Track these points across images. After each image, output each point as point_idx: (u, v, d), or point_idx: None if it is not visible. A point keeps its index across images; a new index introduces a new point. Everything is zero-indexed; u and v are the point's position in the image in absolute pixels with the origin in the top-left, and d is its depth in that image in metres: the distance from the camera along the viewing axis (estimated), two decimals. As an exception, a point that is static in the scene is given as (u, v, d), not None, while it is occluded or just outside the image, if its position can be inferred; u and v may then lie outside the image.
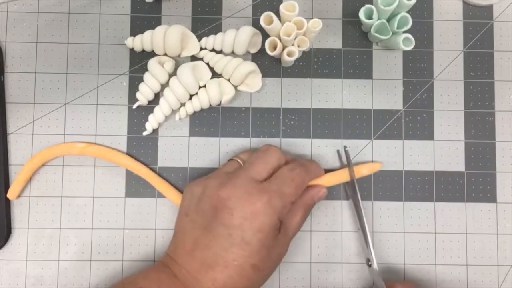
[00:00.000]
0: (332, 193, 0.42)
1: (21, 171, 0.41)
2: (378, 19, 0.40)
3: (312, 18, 0.39)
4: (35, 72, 0.43)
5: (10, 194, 0.41)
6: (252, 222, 0.34)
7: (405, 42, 0.39)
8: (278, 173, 0.37)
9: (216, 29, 0.43)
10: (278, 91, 0.43)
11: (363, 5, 0.40)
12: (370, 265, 0.40)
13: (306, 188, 0.39)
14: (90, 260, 0.42)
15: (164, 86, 0.42)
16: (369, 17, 0.40)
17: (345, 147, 0.42)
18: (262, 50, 0.42)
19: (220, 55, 0.42)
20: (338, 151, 0.42)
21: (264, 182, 0.36)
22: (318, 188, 0.40)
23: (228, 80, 0.42)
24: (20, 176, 0.41)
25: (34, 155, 0.42)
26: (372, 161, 0.42)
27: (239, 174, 0.36)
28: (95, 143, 0.42)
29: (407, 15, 0.39)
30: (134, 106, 0.42)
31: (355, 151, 0.43)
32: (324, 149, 0.43)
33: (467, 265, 0.42)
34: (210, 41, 0.42)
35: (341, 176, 0.41)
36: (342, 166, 0.42)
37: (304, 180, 0.38)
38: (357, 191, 0.41)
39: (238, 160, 0.39)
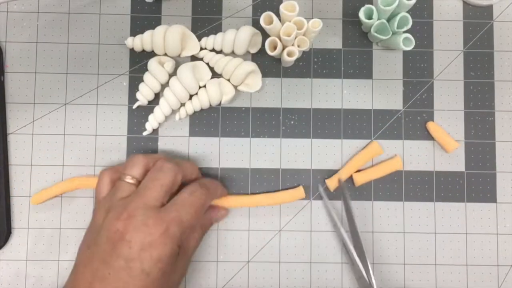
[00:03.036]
0: (332, 193, 0.42)
1: (57, 185, 0.41)
2: (378, 19, 0.40)
3: (312, 18, 0.39)
4: (35, 72, 0.43)
5: (34, 199, 0.41)
6: (151, 253, 0.33)
7: (405, 42, 0.39)
8: (177, 198, 0.36)
9: (216, 29, 0.43)
10: (278, 91, 0.43)
11: (363, 5, 0.40)
12: None
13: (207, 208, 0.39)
14: (90, 260, 0.42)
15: (164, 86, 0.42)
16: (369, 17, 0.40)
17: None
18: (262, 50, 0.42)
19: (220, 55, 0.42)
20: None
21: (162, 208, 0.35)
22: (218, 210, 0.40)
23: (228, 80, 0.42)
24: (53, 188, 0.41)
25: (77, 177, 0.41)
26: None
27: (135, 202, 0.34)
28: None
29: (407, 15, 0.39)
30: (134, 106, 0.42)
31: (355, 151, 0.43)
32: (324, 149, 0.43)
33: (467, 265, 0.42)
34: (210, 41, 0.42)
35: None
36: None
37: (205, 203, 0.37)
38: (359, 237, 0.40)
39: (129, 180, 0.36)
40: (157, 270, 0.33)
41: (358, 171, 0.42)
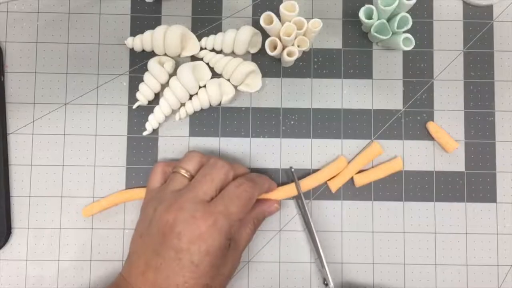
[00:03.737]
0: (331, 193, 0.42)
1: (107, 198, 0.41)
2: (378, 19, 0.40)
3: (312, 18, 0.39)
4: (35, 72, 0.43)
5: (85, 212, 0.41)
6: (199, 245, 0.34)
7: (405, 42, 0.39)
8: (225, 191, 0.36)
9: (216, 29, 0.43)
10: (278, 91, 0.43)
11: (363, 5, 0.40)
12: (326, 284, 0.40)
13: (258, 201, 0.39)
14: (90, 260, 0.42)
15: (164, 86, 0.42)
16: (369, 17, 0.40)
17: (290, 167, 0.42)
18: (262, 50, 0.42)
19: (220, 55, 0.42)
20: (290, 168, 0.42)
21: (211, 202, 0.35)
22: (270, 203, 0.40)
23: (228, 80, 0.42)
24: (103, 202, 0.41)
25: (126, 190, 0.41)
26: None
27: (186, 195, 0.35)
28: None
29: (407, 15, 0.39)
30: (134, 106, 0.42)
31: (355, 151, 0.43)
32: (324, 149, 0.43)
33: (467, 265, 0.42)
34: (210, 41, 0.42)
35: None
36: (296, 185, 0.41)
37: (252, 196, 0.37)
38: (307, 212, 0.41)
39: (183, 173, 0.37)
40: (206, 262, 0.34)
41: (359, 172, 0.42)
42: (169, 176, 0.38)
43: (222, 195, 0.36)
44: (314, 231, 0.40)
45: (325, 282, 0.40)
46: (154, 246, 0.35)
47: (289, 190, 0.41)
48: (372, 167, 0.42)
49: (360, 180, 0.42)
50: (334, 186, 0.42)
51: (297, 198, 0.42)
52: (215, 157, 0.38)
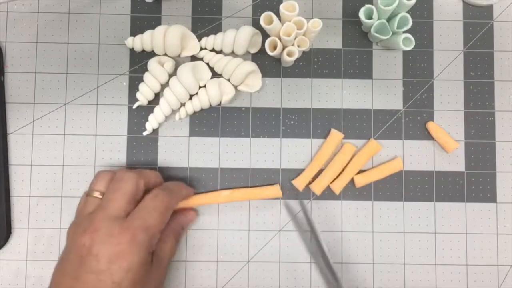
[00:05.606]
0: (332, 194, 0.42)
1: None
2: (378, 19, 0.40)
3: (312, 18, 0.39)
4: (35, 72, 0.43)
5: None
6: (119, 264, 0.33)
7: (405, 42, 0.39)
8: (141, 204, 0.36)
9: (216, 29, 0.43)
10: (278, 91, 0.43)
11: (363, 5, 0.40)
12: None
13: (175, 213, 0.39)
14: (90, 260, 0.42)
15: (164, 86, 0.42)
16: (369, 17, 0.40)
17: (300, 200, 0.42)
18: (262, 50, 0.42)
19: (220, 55, 0.42)
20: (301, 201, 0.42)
21: (128, 217, 0.35)
22: (186, 212, 0.40)
23: (228, 80, 0.42)
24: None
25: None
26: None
27: (99, 215, 0.34)
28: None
29: (407, 15, 0.39)
30: (134, 106, 0.42)
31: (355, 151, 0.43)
32: (324, 149, 0.43)
33: (467, 265, 0.42)
34: (210, 41, 0.42)
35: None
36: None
37: (169, 205, 0.37)
38: (318, 237, 0.41)
39: (95, 195, 0.37)
40: (128, 280, 0.33)
41: (359, 172, 0.42)
42: (82, 201, 0.37)
43: (139, 208, 0.35)
44: (328, 254, 0.40)
45: None
46: (72, 272, 0.34)
47: (210, 197, 0.41)
48: (372, 167, 0.42)
49: (361, 181, 0.42)
50: (336, 188, 0.42)
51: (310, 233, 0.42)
52: (122, 170, 0.38)
